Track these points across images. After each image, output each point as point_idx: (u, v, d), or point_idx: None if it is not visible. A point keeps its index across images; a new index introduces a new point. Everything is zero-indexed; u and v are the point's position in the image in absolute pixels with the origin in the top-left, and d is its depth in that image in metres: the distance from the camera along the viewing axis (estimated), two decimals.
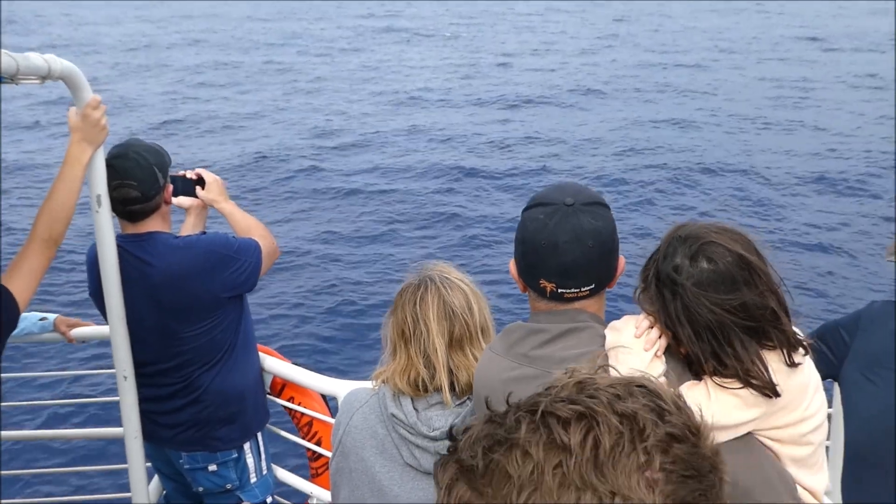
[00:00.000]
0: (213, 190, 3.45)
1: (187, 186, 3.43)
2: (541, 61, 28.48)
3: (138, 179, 3.09)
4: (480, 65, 27.39)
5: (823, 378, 2.61)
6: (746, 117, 20.08)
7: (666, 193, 14.60)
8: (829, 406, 3.28)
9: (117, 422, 3.36)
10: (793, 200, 14.58)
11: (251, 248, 3.26)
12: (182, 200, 3.41)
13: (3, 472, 4.22)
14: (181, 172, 3.43)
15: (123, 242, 3.17)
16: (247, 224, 3.41)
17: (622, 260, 2.03)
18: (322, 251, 12.42)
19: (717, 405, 1.76)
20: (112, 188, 3.07)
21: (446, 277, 2.26)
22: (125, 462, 3.33)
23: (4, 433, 4.08)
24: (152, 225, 3.20)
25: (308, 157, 16.66)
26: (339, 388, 3.32)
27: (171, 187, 3.29)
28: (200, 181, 3.45)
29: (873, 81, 24.07)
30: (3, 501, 4.13)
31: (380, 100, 22.48)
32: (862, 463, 2.39)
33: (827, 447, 3.41)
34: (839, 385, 2.55)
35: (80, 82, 2.82)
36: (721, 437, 1.76)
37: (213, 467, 3.37)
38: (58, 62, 2.65)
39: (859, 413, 2.43)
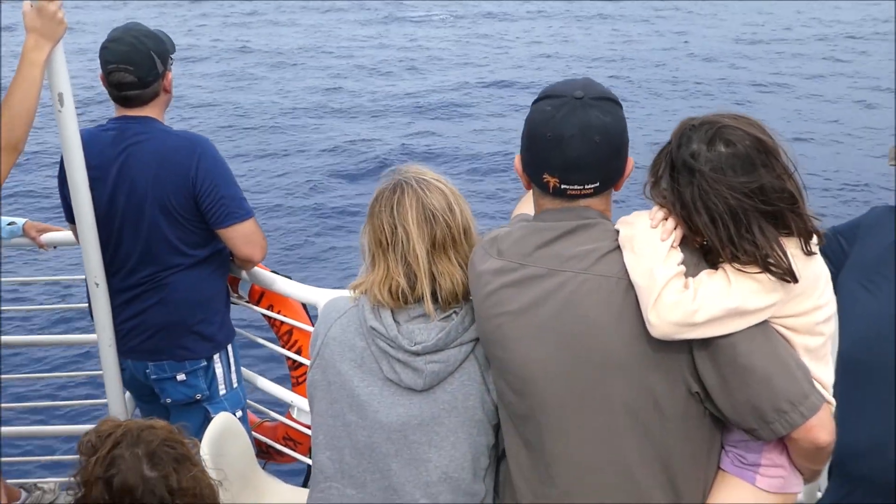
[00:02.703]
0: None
1: None
2: None
3: (135, 64, 3.02)
4: None
5: None
6: None
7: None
8: None
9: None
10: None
11: (245, 199, 3.17)
12: None
13: None
14: None
15: (113, 123, 3.11)
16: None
17: (630, 161, 1.96)
18: (302, 159, 12.33)
19: (738, 290, 1.74)
20: (107, 72, 3.02)
21: (423, 179, 2.13)
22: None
23: None
24: (148, 112, 3.13)
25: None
26: (319, 296, 3.25)
27: (170, 76, 3.18)
28: None
29: None
30: None
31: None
32: (854, 371, 2.36)
33: None
34: (836, 294, 2.49)
35: None
36: (741, 323, 1.75)
37: (181, 376, 3.28)
38: None
39: (854, 322, 2.37)
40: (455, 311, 2.09)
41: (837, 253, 2.48)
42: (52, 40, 2.74)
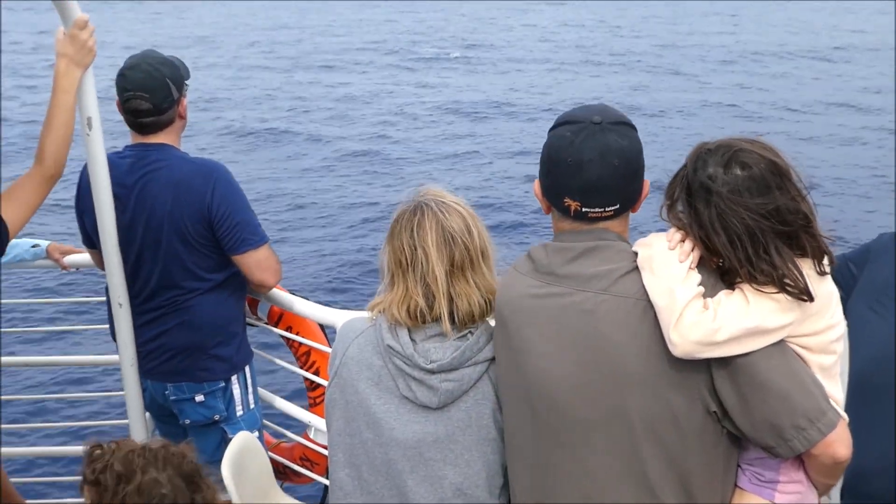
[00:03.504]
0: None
1: None
2: None
3: (150, 91, 3.06)
4: None
5: None
6: None
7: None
8: None
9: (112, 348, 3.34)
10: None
11: (259, 225, 3.21)
12: None
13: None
14: None
15: (129, 150, 3.15)
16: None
17: (647, 183, 2.00)
18: (321, 183, 12.41)
19: (756, 309, 1.78)
20: (124, 100, 3.07)
21: (442, 201, 2.17)
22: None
23: (3, 359, 4.06)
24: (164, 139, 3.17)
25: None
26: (337, 317, 3.27)
27: (185, 102, 3.23)
28: None
29: None
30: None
31: None
32: (865, 392, 2.37)
33: None
34: (846, 318, 2.52)
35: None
36: (760, 341, 1.78)
37: (200, 398, 3.32)
38: None
39: (864, 344, 2.39)
40: (470, 331, 2.12)
41: (847, 277, 2.50)
42: (82, 66, 2.80)
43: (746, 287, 1.82)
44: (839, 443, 1.80)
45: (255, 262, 3.18)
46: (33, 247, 3.65)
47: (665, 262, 1.84)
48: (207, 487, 1.92)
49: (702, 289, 1.82)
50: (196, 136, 15.49)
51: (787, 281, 1.78)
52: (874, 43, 29.34)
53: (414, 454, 2.10)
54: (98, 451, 1.89)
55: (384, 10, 42.55)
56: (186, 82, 3.23)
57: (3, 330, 4.13)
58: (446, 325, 2.10)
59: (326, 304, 3.62)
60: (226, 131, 17.24)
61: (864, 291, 2.44)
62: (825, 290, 1.87)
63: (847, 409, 2.41)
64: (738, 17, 38.91)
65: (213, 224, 3.11)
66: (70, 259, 3.71)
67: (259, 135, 17.01)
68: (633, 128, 1.98)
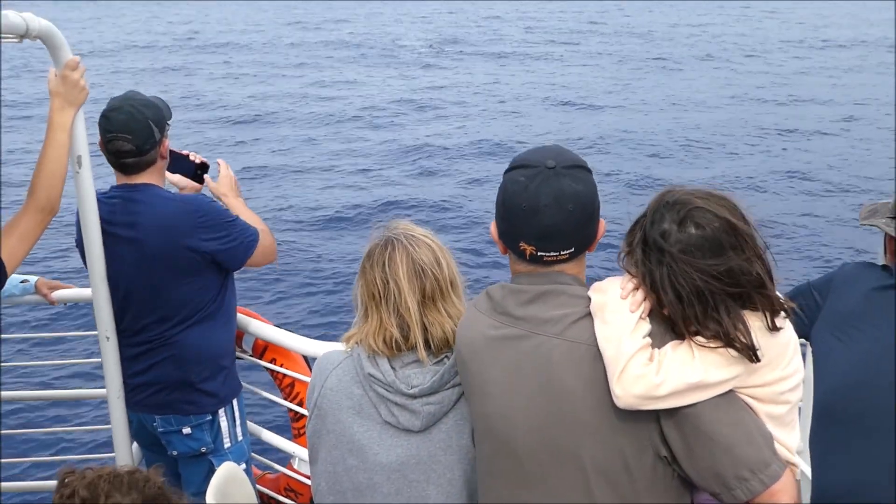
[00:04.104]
0: (224, 185, 3.46)
1: (185, 167, 3.44)
2: None
3: (133, 132, 3.11)
4: None
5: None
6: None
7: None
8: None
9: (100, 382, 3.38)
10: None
11: (247, 230, 3.27)
12: (177, 179, 3.42)
13: None
14: (185, 152, 3.45)
15: (115, 191, 3.20)
16: (252, 223, 3.37)
17: (602, 224, 2.03)
18: (303, 217, 12.46)
19: (700, 364, 1.80)
20: (107, 141, 3.11)
21: (411, 235, 2.26)
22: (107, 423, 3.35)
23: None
24: (146, 178, 3.22)
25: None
26: (320, 349, 3.33)
27: (167, 142, 3.29)
28: (203, 167, 3.48)
29: None
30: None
31: None
32: (829, 419, 2.42)
33: (799, 408, 3.45)
34: (812, 345, 2.58)
35: (59, 42, 2.79)
36: (703, 394, 1.80)
37: (187, 430, 3.36)
38: (36, 21, 2.61)
39: (828, 371, 2.45)
40: (446, 356, 2.20)
41: (812, 306, 2.57)
42: (75, 105, 2.88)
43: (693, 340, 1.83)
44: (782, 493, 1.81)
45: (260, 255, 3.31)
46: (22, 282, 3.68)
47: (616, 310, 1.85)
48: None
49: (648, 340, 1.83)
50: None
51: (733, 339, 1.78)
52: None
53: (398, 477, 2.17)
54: (68, 478, 1.93)
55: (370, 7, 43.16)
56: (168, 122, 3.28)
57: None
58: (422, 352, 2.18)
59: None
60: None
61: (828, 319, 2.50)
62: (779, 341, 1.87)
63: (813, 435, 2.48)
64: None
65: (212, 255, 3.18)
66: (58, 294, 3.74)
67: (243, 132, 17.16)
68: (588, 170, 1.98)
